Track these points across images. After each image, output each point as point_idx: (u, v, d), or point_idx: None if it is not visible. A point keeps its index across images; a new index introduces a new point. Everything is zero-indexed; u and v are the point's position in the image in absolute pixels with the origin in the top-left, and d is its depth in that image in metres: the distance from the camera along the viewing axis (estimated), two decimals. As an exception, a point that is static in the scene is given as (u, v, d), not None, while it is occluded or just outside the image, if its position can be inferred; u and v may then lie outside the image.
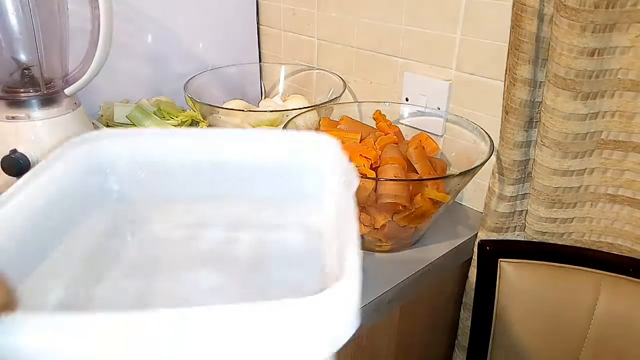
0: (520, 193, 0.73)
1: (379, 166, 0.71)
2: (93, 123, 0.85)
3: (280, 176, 0.46)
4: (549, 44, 0.62)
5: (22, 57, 0.75)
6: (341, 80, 1.00)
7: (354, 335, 0.67)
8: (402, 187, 0.66)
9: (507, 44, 0.68)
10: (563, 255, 0.71)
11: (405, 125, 0.88)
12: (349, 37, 0.97)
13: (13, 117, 0.74)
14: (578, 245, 0.72)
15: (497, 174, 0.73)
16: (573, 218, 0.70)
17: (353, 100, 1.01)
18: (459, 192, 0.75)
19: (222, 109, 0.92)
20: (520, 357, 0.75)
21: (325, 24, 1.01)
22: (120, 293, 0.41)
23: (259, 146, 0.46)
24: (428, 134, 0.81)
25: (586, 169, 0.67)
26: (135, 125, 0.92)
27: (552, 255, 0.72)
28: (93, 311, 0.25)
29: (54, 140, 0.76)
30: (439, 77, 0.84)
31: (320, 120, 0.85)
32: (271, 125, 0.92)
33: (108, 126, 0.89)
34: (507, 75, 0.68)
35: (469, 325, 0.79)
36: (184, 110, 0.98)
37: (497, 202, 0.73)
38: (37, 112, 0.74)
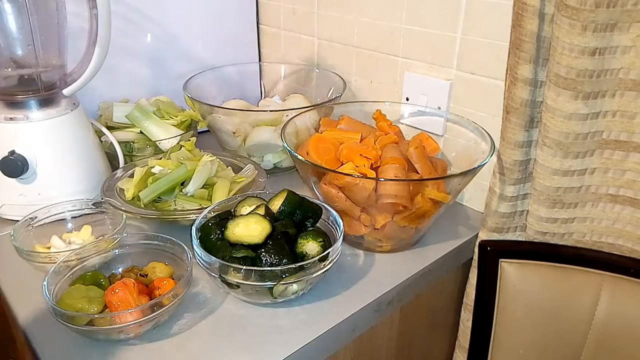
0: (521, 193, 0.73)
1: (379, 166, 0.70)
2: (92, 123, 0.85)
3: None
4: (550, 43, 0.62)
5: (21, 57, 0.75)
6: (341, 80, 0.99)
7: (354, 335, 0.67)
8: (402, 187, 0.66)
9: (508, 44, 0.68)
10: (564, 256, 0.71)
11: (405, 125, 0.87)
12: (349, 36, 0.97)
13: (11, 118, 0.73)
14: (579, 245, 0.72)
15: (498, 174, 0.72)
16: (574, 218, 0.70)
17: (353, 100, 1.01)
18: (460, 192, 0.74)
19: (221, 109, 0.92)
20: (521, 357, 0.75)
21: (325, 23, 1.01)
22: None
23: None
24: (429, 134, 0.81)
25: (587, 169, 0.67)
26: (135, 126, 0.92)
27: (553, 255, 0.71)
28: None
29: (52, 140, 0.76)
30: (440, 77, 0.84)
31: (320, 119, 0.85)
32: (271, 125, 0.91)
33: (107, 126, 0.89)
34: (508, 75, 0.68)
35: (470, 325, 0.79)
36: (183, 110, 0.98)
37: (498, 202, 0.73)
38: (35, 113, 0.74)
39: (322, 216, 0.68)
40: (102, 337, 0.56)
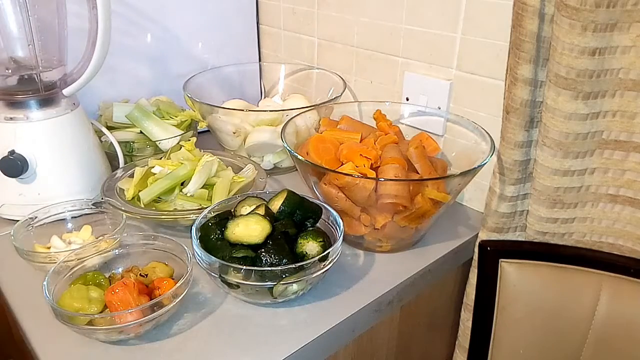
0: (521, 193, 0.72)
1: (379, 166, 0.70)
2: (92, 123, 0.85)
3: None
4: (550, 43, 0.62)
5: (21, 57, 0.75)
6: (341, 80, 0.99)
7: (354, 335, 0.67)
8: (402, 187, 0.66)
9: (508, 44, 0.68)
10: (564, 256, 0.71)
11: (405, 125, 0.87)
12: (349, 36, 0.97)
13: (11, 118, 0.73)
14: (579, 245, 0.72)
15: (498, 174, 0.72)
16: (574, 218, 0.70)
17: (353, 100, 1.01)
18: (460, 192, 0.74)
19: (221, 109, 0.92)
20: (521, 357, 0.75)
21: (325, 23, 1.01)
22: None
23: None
24: (429, 134, 0.81)
25: (587, 169, 0.67)
26: (135, 126, 0.92)
27: (553, 255, 0.71)
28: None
29: (52, 140, 0.76)
30: (440, 77, 0.84)
31: (320, 120, 0.85)
32: (271, 125, 0.91)
33: (107, 126, 0.89)
34: (508, 75, 0.68)
35: (470, 325, 0.79)
36: (183, 110, 0.98)
37: (498, 202, 0.73)
38: (35, 113, 0.74)
39: (322, 216, 0.68)
40: (102, 337, 0.56)
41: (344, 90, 0.96)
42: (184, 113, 0.97)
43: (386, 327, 0.72)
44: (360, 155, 0.70)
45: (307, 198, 0.68)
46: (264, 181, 0.80)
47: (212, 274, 0.60)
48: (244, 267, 0.58)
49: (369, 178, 0.66)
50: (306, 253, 0.62)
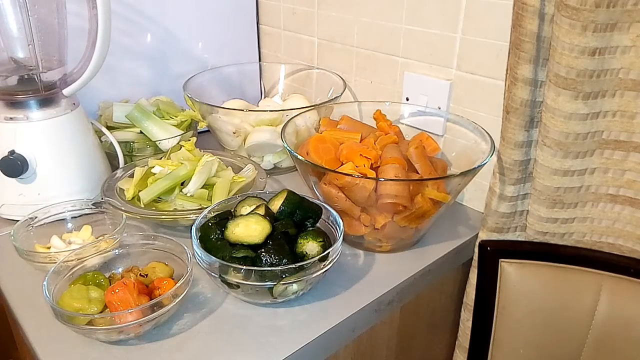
0: (521, 193, 0.73)
1: (379, 166, 0.70)
2: (92, 123, 0.85)
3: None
4: (550, 43, 0.62)
5: (21, 57, 0.75)
6: (341, 80, 0.99)
7: (354, 335, 0.67)
8: (402, 187, 0.66)
9: (508, 44, 0.68)
10: (564, 256, 0.71)
11: (405, 125, 0.87)
12: (349, 36, 0.97)
13: (11, 118, 0.73)
14: (579, 245, 0.72)
15: (498, 174, 0.72)
16: (574, 218, 0.70)
17: (353, 100, 1.01)
18: (460, 192, 0.74)
19: (221, 109, 0.92)
20: (521, 357, 0.75)
21: (325, 23, 1.01)
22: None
23: None
24: (429, 134, 0.81)
25: (587, 169, 0.67)
26: (135, 126, 0.92)
27: (553, 255, 0.71)
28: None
29: (52, 140, 0.76)
30: (440, 77, 0.84)
31: (320, 120, 0.85)
32: (271, 125, 0.91)
33: (107, 126, 0.89)
34: (508, 75, 0.68)
35: (470, 325, 0.79)
36: (183, 110, 0.98)
37: (498, 202, 0.73)
38: (35, 113, 0.74)
39: (322, 216, 0.68)
40: (102, 337, 0.56)
41: (344, 90, 0.96)
42: (184, 113, 0.97)
43: (386, 327, 0.72)
44: (360, 155, 0.70)
45: (307, 198, 0.68)
46: (264, 181, 0.80)
47: (212, 274, 0.60)
48: (244, 267, 0.58)
49: (369, 178, 0.66)
50: (306, 253, 0.62)
